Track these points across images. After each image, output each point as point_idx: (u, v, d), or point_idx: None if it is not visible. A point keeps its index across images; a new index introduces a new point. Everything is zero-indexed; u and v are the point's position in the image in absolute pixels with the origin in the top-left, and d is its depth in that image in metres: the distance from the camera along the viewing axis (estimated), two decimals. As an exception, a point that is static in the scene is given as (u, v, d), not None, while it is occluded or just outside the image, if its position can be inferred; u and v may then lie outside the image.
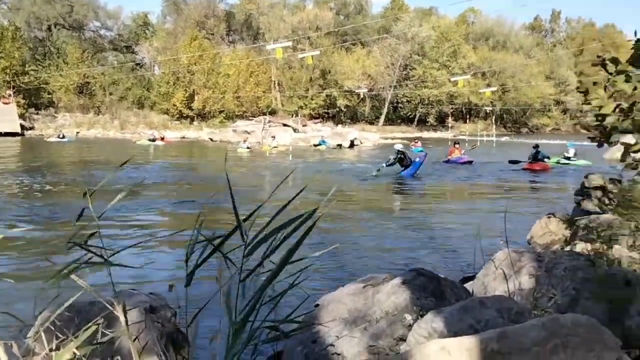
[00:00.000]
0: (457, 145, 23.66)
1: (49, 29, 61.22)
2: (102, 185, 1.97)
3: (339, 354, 2.46)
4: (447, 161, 22.34)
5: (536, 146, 20.71)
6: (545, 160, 20.21)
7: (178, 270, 5.37)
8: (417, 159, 17.75)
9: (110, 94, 55.90)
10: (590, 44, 76.78)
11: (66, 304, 1.90)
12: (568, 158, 22.01)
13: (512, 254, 3.09)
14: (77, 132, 46.77)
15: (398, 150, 17.85)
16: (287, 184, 13.05)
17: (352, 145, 37.09)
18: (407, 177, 17.14)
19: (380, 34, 63.49)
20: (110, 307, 1.76)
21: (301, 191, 1.81)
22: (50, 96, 52.62)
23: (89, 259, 1.72)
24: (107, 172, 17.02)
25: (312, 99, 60.36)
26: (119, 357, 2.09)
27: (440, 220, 10.05)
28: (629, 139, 5.22)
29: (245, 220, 1.68)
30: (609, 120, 4.89)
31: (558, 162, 21.17)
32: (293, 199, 1.73)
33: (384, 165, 17.67)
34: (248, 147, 30.58)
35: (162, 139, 38.41)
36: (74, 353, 1.68)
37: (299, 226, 1.63)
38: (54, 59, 55.30)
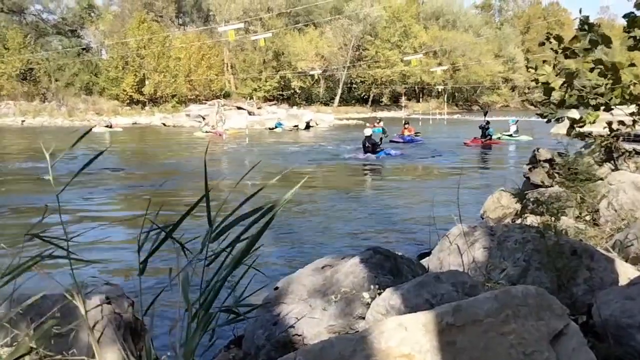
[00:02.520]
0: (407, 125, 24.96)
1: (-13, 13, 58.02)
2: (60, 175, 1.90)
3: (299, 335, 2.48)
4: (403, 139, 23.40)
5: (487, 122, 21.54)
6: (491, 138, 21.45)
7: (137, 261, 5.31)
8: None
9: (56, 80, 53.52)
10: (536, 22, 78.71)
11: (27, 302, 1.86)
12: (510, 135, 22.94)
13: (466, 229, 3.17)
14: (23, 121, 44.75)
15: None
16: (249, 168, 12.96)
17: (308, 126, 36.97)
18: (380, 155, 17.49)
19: (332, 15, 63.03)
20: (70, 298, 1.72)
21: (260, 189, 1.76)
22: (-9, 84, 50.07)
23: (46, 250, 1.66)
24: (72, 161, 16.48)
25: (266, 81, 59.64)
26: (74, 350, 2.05)
27: (396, 199, 10.21)
28: (574, 113, 5.42)
29: (192, 208, 1.65)
30: (556, 96, 5.05)
31: (499, 138, 22.43)
32: (256, 193, 1.70)
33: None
34: (207, 131, 30.19)
35: (110, 126, 36.98)
36: (30, 347, 1.64)
37: (259, 218, 1.62)
38: (-7, 45, 52.55)
